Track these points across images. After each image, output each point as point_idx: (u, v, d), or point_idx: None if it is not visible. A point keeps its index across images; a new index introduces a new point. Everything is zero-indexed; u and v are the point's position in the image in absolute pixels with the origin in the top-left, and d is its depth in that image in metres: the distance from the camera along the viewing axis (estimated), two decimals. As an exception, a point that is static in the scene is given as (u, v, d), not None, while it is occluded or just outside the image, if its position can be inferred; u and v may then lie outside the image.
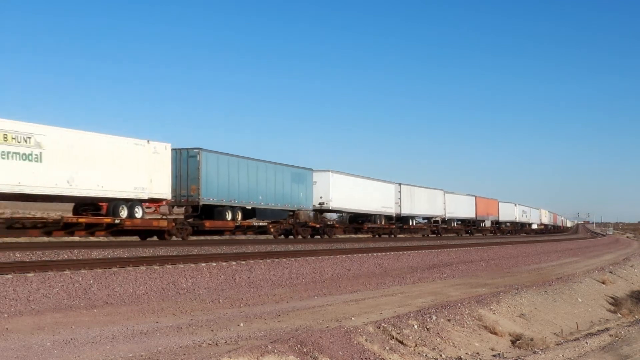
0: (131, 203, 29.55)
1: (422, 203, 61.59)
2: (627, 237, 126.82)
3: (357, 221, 52.29)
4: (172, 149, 32.34)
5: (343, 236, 49.55)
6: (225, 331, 10.02)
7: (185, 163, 33.33)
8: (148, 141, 30.69)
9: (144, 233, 32.06)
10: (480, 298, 15.25)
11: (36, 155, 25.10)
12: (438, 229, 66.60)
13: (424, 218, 64.79)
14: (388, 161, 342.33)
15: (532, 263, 30.68)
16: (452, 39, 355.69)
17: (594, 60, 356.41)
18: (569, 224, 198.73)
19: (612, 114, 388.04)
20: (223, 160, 35.62)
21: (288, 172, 41.69)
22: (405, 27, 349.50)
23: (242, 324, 10.74)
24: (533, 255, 36.43)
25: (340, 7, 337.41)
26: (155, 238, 32.40)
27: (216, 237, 36.59)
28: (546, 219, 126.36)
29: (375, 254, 26.20)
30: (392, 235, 56.01)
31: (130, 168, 29.35)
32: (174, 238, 32.17)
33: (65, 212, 31.07)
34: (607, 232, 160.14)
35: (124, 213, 29.09)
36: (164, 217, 32.18)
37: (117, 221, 28.79)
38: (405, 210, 58.31)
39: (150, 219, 31.14)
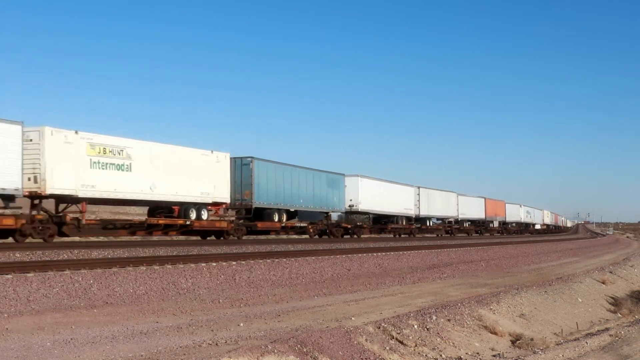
0: (198, 206, 33.34)
1: (437, 205, 65.15)
2: (627, 237, 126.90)
3: (380, 222, 55.47)
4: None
5: (369, 236, 52.69)
6: (225, 331, 10.02)
7: (239, 170, 36.84)
8: (212, 151, 34.58)
9: (207, 233, 35.63)
10: (480, 298, 15.25)
11: (127, 165, 29.14)
12: (451, 229, 70.17)
13: (438, 219, 68.06)
14: (388, 161, 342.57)
15: (532, 263, 30.68)
16: (452, 39, 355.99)
17: (594, 60, 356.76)
18: (569, 224, 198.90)
19: (612, 114, 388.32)
20: (271, 167, 39.25)
21: (324, 177, 45.37)
22: (405, 27, 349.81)
23: (242, 324, 10.74)
24: (533, 255, 36.43)
25: (340, 7, 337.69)
26: (213, 237, 35.95)
27: (263, 237, 40.69)
28: (548, 219, 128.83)
29: (375, 254, 26.19)
30: (412, 235, 58.98)
31: (198, 175, 33.16)
32: (231, 237, 35.53)
33: (139, 215, 35.19)
34: (607, 232, 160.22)
35: (192, 215, 32.88)
36: (224, 218, 35.75)
37: (187, 222, 32.61)
38: (423, 212, 61.69)
39: (213, 220, 34.77)
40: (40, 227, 26.18)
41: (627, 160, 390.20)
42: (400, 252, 28.48)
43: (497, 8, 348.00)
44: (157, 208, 32.82)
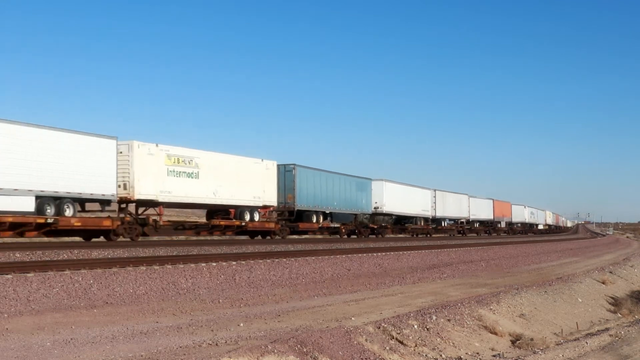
0: (251, 209, 37.40)
1: (451, 206, 68.98)
2: (627, 237, 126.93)
3: (401, 223, 58.86)
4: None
5: (391, 236, 56.40)
6: (225, 331, 10.02)
7: (283, 176, 40.43)
8: (262, 160, 38.60)
9: (256, 233, 39.44)
10: (480, 298, 15.25)
11: (195, 173, 33.18)
12: (463, 229, 74.41)
13: (451, 219, 71.38)
14: (388, 161, 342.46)
15: (532, 263, 30.68)
16: (452, 39, 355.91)
17: (594, 60, 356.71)
18: (569, 224, 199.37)
19: (612, 114, 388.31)
20: (310, 173, 43.30)
21: (354, 182, 49.59)
22: (405, 27, 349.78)
23: (242, 324, 10.74)
24: (533, 255, 36.43)
25: (340, 7, 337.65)
26: (258, 237, 39.66)
27: (303, 236, 44.84)
28: (550, 220, 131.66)
29: (375, 254, 26.18)
30: (429, 235, 62.28)
31: (251, 181, 37.19)
32: (276, 237, 39.34)
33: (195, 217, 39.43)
34: (607, 232, 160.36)
35: (247, 217, 37.09)
36: (271, 219, 39.89)
37: (243, 224, 36.88)
38: (439, 213, 65.55)
39: (263, 221, 38.89)
40: (128, 228, 30.10)
41: (627, 160, 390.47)
42: (400, 252, 28.47)
43: (497, 8, 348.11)
44: (215, 211, 36.88)
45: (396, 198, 55.13)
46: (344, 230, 48.47)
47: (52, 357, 8.03)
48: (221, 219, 36.27)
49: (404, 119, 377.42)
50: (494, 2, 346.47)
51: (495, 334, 13.06)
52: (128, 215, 30.49)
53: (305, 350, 9.05)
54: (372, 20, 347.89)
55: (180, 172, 32.24)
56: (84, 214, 29.61)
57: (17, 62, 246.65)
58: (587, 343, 12.98)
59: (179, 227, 35.85)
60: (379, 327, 10.99)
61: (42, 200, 26.15)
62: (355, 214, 49.97)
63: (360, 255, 25.56)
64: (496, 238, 67.93)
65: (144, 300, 13.71)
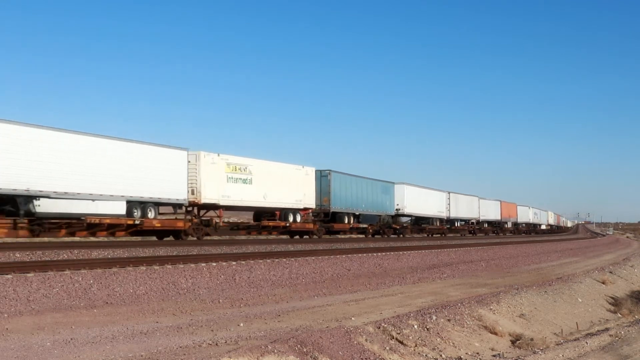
0: (294, 211, 41.47)
1: (463, 208, 73.09)
2: (627, 237, 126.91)
3: (419, 223, 62.80)
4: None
5: (411, 235, 59.59)
6: (225, 331, 10.02)
7: (319, 181, 44.26)
8: (302, 166, 42.65)
9: (298, 233, 43.79)
10: (480, 298, 15.25)
11: (249, 179, 37.07)
12: (474, 229, 78.02)
13: (462, 220, 75.29)
14: (388, 160, 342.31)
15: (532, 263, 30.68)
16: (452, 39, 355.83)
17: (594, 60, 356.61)
18: (569, 224, 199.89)
19: (612, 114, 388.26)
20: (343, 178, 47.30)
21: (379, 185, 53.59)
22: (405, 27, 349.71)
23: (242, 324, 10.74)
24: (533, 255, 36.43)
25: (340, 7, 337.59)
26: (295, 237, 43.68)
27: (338, 236, 48.49)
28: (552, 220, 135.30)
29: (375, 254, 26.17)
30: (444, 235, 65.90)
31: (293, 186, 41.06)
32: (314, 237, 43.66)
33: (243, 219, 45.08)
34: (607, 232, 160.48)
35: (290, 218, 41.19)
36: (310, 220, 43.69)
37: (287, 224, 41.04)
38: (453, 214, 69.74)
39: (303, 222, 42.89)
40: (196, 229, 34.14)
41: (627, 160, 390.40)
42: (400, 252, 28.46)
43: (497, 8, 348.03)
44: (262, 213, 40.56)
45: (415, 200, 59.33)
46: (370, 230, 52.14)
47: (52, 357, 8.03)
48: (268, 220, 40.28)
49: (402, 118, 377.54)
50: (494, 2, 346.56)
51: (495, 334, 13.06)
52: (195, 217, 34.53)
53: (305, 350, 9.05)
54: (372, 20, 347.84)
55: (237, 178, 36.30)
56: (159, 216, 33.34)
57: (17, 62, 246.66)
58: (587, 343, 12.98)
59: (234, 227, 40.19)
60: (379, 327, 10.99)
61: (130, 205, 30.22)
62: (380, 215, 53.77)
63: (360, 255, 25.55)
64: (499, 238, 69.94)
65: (144, 300, 13.71)
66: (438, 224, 66.87)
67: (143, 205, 30.99)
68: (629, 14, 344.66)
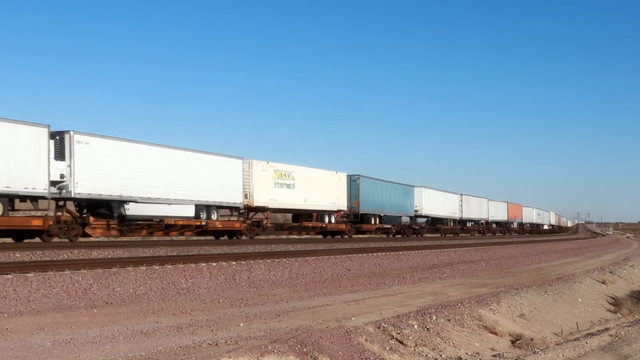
0: (329, 213, 45.87)
1: (474, 209, 77.13)
2: (627, 237, 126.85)
3: (434, 224, 66.75)
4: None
5: (428, 235, 63.48)
6: (225, 331, 10.02)
7: (348, 185, 48.25)
8: (336, 172, 46.95)
9: (332, 233, 48.11)
10: (480, 298, 15.25)
11: (292, 184, 41.34)
12: (483, 229, 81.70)
13: (472, 221, 78.61)
14: (389, 161, 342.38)
15: (532, 263, 30.67)
16: (452, 39, 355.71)
17: (594, 60, 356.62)
18: (569, 224, 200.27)
19: (612, 114, 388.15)
20: (370, 182, 51.39)
21: (401, 189, 57.83)
22: (405, 27, 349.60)
23: (242, 324, 10.73)
24: (533, 255, 36.42)
25: (341, 7, 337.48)
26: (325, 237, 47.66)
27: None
28: (553, 220, 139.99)
29: (375, 254, 26.16)
30: (456, 234, 70.69)
31: (329, 190, 45.45)
32: (345, 236, 47.94)
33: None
34: (607, 232, 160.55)
35: (326, 220, 45.74)
36: (342, 221, 48.02)
37: (323, 225, 45.63)
38: (465, 215, 73.69)
39: (337, 223, 47.31)
40: (249, 229, 38.24)
41: (627, 160, 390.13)
42: (400, 252, 28.45)
43: (497, 8, 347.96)
44: (300, 215, 44.70)
45: (432, 202, 63.57)
46: (393, 230, 56.52)
47: (52, 357, 8.02)
48: (306, 222, 44.68)
49: (403, 118, 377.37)
50: (494, 2, 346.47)
51: (495, 334, 13.05)
52: (248, 219, 38.49)
53: (305, 350, 9.05)
54: (372, 20, 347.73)
55: (282, 183, 40.54)
56: (220, 218, 36.96)
57: (17, 62, 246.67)
58: (587, 343, 12.98)
59: (279, 228, 44.64)
60: (379, 327, 10.98)
61: (198, 208, 34.26)
62: (401, 216, 58.41)
63: (360, 255, 25.54)
64: (500, 238, 71.29)
65: (144, 300, 13.71)
66: (452, 225, 70.91)
67: (207, 208, 35.10)
68: (629, 14, 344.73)
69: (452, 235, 68.90)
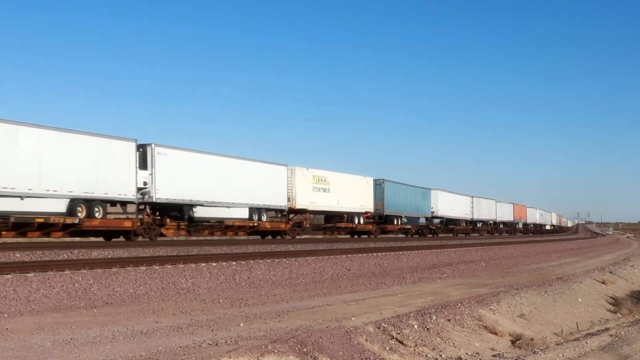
0: (358, 214, 50.19)
1: (484, 210, 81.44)
2: (627, 237, 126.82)
3: (447, 225, 71.32)
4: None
5: (443, 235, 67.68)
6: (225, 331, 10.02)
7: (374, 188, 52.60)
8: (364, 177, 51.54)
9: (360, 233, 52.42)
10: (480, 298, 15.25)
11: (327, 189, 45.89)
12: (491, 230, 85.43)
13: (481, 221, 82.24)
14: (388, 160, 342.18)
15: (532, 263, 30.67)
16: (452, 39, 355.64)
17: (594, 60, 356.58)
18: (569, 224, 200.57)
19: (612, 114, 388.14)
20: (393, 185, 55.77)
21: (419, 192, 62.43)
22: (405, 27, 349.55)
23: (242, 324, 10.73)
24: (533, 255, 36.41)
25: (341, 7, 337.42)
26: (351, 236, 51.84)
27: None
28: (555, 220, 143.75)
29: (375, 254, 26.15)
30: (468, 234, 74.85)
31: (358, 194, 49.96)
32: (371, 236, 52.09)
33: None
34: (607, 232, 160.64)
35: (356, 221, 50.05)
36: (369, 222, 52.37)
37: (354, 226, 49.99)
38: (476, 216, 78.17)
39: (365, 224, 51.64)
40: (292, 229, 42.83)
41: (627, 160, 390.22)
42: (400, 252, 28.44)
43: (497, 8, 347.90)
44: (332, 216, 49.10)
45: (447, 204, 67.87)
46: (412, 230, 61.02)
47: (52, 357, 8.02)
48: (338, 222, 49.14)
49: (403, 118, 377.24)
50: (494, 2, 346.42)
51: (495, 334, 13.05)
52: (291, 220, 43.01)
53: (305, 350, 9.04)
54: (372, 20, 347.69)
55: (319, 188, 45.03)
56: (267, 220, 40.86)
57: (17, 62, 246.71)
58: (587, 343, 12.97)
59: (315, 228, 49.58)
60: (379, 327, 10.98)
61: (251, 210, 38.53)
62: (419, 217, 63.00)
63: (360, 255, 25.54)
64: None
65: (144, 300, 13.71)
66: (464, 225, 75.17)
67: (259, 210, 39.35)
68: (629, 14, 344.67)
69: (463, 235, 72.71)
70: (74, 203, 27.97)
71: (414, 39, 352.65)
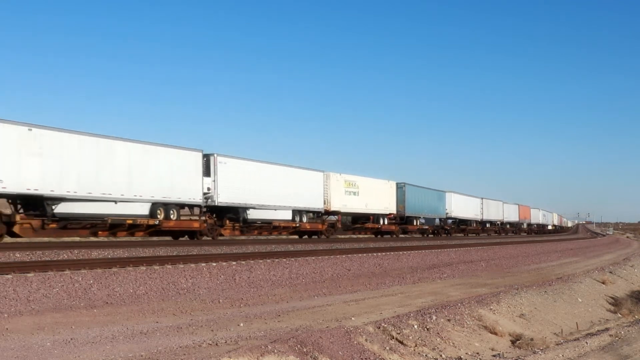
0: (382, 216, 54.59)
1: (492, 211, 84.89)
2: (627, 237, 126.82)
3: (459, 225, 74.55)
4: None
5: (455, 234, 71.25)
6: (225, 331, 10.01)
7: (395, 191, 56.56)
8: (388, 180, 55.75)
9: (385, 232, 55.97)
10: (480, 298, 15.24)
11: (357, 192, 50.12)
12: (499, 230, 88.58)
13: (490, 222, 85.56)
14: (389, 160, 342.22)
15: (532, 263, 30.66)
16: (452, 39, 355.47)
17: (594, 60, 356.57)
18: (569, 224, 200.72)
19: (612, 114, 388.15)
20: (413, 189, 59.84)
21: (435, 194, 66.20)
22: (405, 27, 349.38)
23: (242, 324, 10.73)
24: (533, 255, 36.40)
25: (341, 7, 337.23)
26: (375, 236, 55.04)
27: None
28: (556, 221, 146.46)
29: (375, 254, 26.15)
30: (478, 234, 78.04)
31: (382, 196, 54.06)
32: (394, 236, 56.08)
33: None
34: (607, 232, 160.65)
35: (381, 222, 54.46)
36: (391, 223, 56.26)
37: (379, 226, 54.39)
38: (485, 217, 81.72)
39: (388, 224, 55.92)
40: (328, 229, 47.23)
41: (627, 160, 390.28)
42: (400, 252, 28.43)
43: (497, 8, 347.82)
44: (359, 217, 52.88)
45: (459, 205, 71.55)
46: (430, 230, 64.97)
47: (52, 357, 8.02)
48: (365, 223, 53.22)
49: (403, 118, 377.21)
50: (494, 2, 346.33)
51: (495, 334, 13.05)
52: (326, 221, 47.30)
53: (305, 350, 9.04)
54: (372, 20, 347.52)
55: (350, 191, 49.21)
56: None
57: (17, 62, 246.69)
58: (587, 343, 12.97)
59: (346, 228, 52.51)
60: (379, 327, 10.98)
61: (293, 212, 42.60)
62: (435, 218, 66.64)
63: (360, 255, 25.53)
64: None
65: (144, 300, 13.70)
66: (475, 226, 78.81)
67: (300, 212, 43.32)
68: (629, 14, 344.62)
69: (474, 235, 76.45)
70: (155, 206, 31.82)
71: (414, 39, 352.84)
